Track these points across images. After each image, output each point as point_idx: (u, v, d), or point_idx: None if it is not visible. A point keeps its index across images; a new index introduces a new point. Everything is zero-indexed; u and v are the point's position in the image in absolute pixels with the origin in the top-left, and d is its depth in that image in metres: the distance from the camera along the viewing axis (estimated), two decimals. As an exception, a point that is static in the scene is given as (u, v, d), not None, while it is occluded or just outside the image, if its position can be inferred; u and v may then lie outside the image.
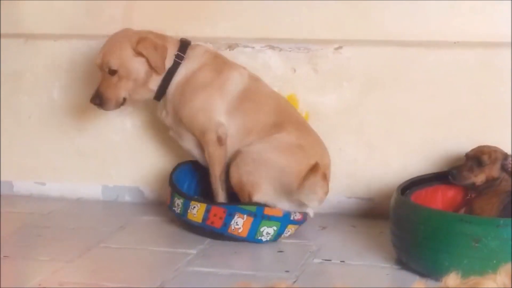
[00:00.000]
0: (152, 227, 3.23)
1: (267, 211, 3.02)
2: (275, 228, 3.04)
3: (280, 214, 3.04)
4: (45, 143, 3.70)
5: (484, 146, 3.04)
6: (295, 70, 3.41)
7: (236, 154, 3.13)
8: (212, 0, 3.51)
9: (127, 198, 3.65)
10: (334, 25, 3.41)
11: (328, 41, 3.38)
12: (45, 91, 3.68)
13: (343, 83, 3.37)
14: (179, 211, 3.13)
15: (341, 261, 2.88)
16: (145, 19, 3.58)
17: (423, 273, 2.70)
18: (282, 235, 3.07)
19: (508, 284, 1.60)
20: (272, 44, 3.42)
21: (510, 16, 3.24)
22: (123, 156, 3.64)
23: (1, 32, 3.73)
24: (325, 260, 2.90)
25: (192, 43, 3.27)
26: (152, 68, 3.14)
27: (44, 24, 3.72)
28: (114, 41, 3.20)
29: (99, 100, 3.18)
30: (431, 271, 2.64)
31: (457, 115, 3.27)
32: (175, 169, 3.31)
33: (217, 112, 3.16)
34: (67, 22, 3.68)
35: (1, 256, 2.93)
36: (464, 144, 3.11)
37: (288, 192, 3.04)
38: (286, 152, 3.10)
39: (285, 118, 3.21)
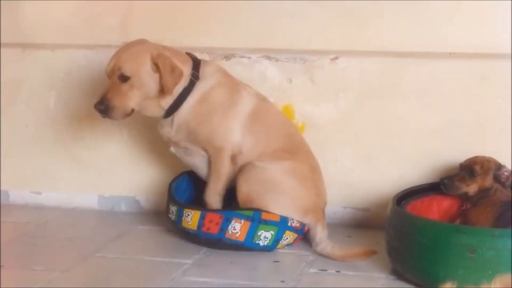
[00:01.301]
0: (148, 237, 3.22)
1: (264, 216, 3.02)
2: (272, 232, 3.03)
3: (278, 219, 3.04)
4: (41, 152, 3.70)
5: (478, 157, 3.05)
6: (291, 81, 3.42)
7: (248, 167, 3.10)
8: (209, 10, 3.52)
9: (123, 207, 3.64)
10: (330, 36, 3.42)
11: (325, 51, 3.39)
12: (43, 100, 3.68)
13: (339, 94, 3.38)
14: (174, 219, 3.13)
15: (336, 271, 2.88)
16: (142, 29, 3.59)
17: (419, 284, 2.70)
18: (280, 242, 3.06)
19: None
20: (268, 54, 3.42)
21: (508, 27, 3.25)
22: (120, 166, 3.63)
23: (0, 41, 3.73)
24: (321, 270, 2.90)
25: (199, 58, 3.23)
26: (161, 86, 3.03)
27: (42, 33, 3.72)
28: (132, 48, 3.06)
29: (104, 106, 3.02)
30: (427, 281, 2.64)
31: (453, 125, 3.27)
32: (176, 178, 3.31)
33: (234, 131, 3.13)
34: (65, 32, 3.69)
35: (-3, 265, 2.94)
36: (460, 154, 3.12)
37: (291, 218, 3.07)
38: (298, 179, 3.11)
39: (297, 146, 3.21)
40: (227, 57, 3.46)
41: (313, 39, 3.44)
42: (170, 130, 3.17)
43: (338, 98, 3.38)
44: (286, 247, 3.11)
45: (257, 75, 3.41)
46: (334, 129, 3.38)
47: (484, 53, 3.27)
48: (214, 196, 3.16)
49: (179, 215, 3.10)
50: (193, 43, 3.48)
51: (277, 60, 3.40)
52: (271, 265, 2.97)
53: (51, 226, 3.43)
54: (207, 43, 3.50)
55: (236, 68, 3.39)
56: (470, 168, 3.02)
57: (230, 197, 3.19)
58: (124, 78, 3.02)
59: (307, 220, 3.09)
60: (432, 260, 2.64)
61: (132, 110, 3.07)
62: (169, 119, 3.15)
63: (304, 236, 3.14)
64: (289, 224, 3.07)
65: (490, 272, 2.52)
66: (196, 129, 3.12)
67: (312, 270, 2.89)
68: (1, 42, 3.72)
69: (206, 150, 3.15)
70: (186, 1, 3.56)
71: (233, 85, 3.19)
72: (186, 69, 3.10)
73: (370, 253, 2.92)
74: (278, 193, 3.08)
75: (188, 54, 3.20)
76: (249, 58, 3.44)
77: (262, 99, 3.24)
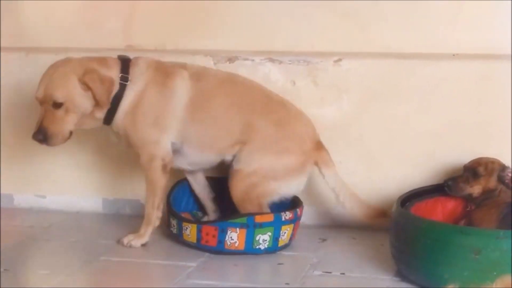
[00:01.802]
0: (152, 240, 3.22)
1: (258, 219, 3.01)
2: (269, 233, 3.03)
3: (271, 219, 3.04)
4: (45, 156, 3.70)
5: (482, 158, 3.04)
6: (294, 83, 3.42)
7: (232, 174, 3.09)
8: (212, 13, 3.53)
9: (128, 210, 3.64)
10: (333, 38, 3.43)
11: (328, 53, 3.39)
12: (46, 104, 3.68)
13: (342, 95, 3.38)
14: (175, 232, 3.15)
15: (341, 273, 2.88)
16: (145, 32, 3.60)
17: (423, 285, 2.70)
18: (280, 239, 3.06)
19: None
20: (272, 57, 3.42)
21: (510, 29, 3.25)
22: (124, 169, 3.64)
23: (2, 45, 3.74)
24: (326, 272, 2.89)
25: (131, 57, 3.14)
26: (96, 101, 3.00)
27: (45, 37, 3.73)
28: (58, 72, 3.01)
29: (42, 136, 2.99)
30: (431, 283, 2.64)
31: (457, 126, 3.27)
32: (172, 189, 3.31)
33: (166, 138, 3.09)
34: (67, 36, 3.70)
35: (1, 269, 2.92)
36: (464, 155, 3.11)
37: (296, 175, 3.10)
38: (278, 153, 3.09)
39: (256, 116, 3.12)
40: (231, 60, 3.46)
41: (316, 41, 3.44)
42: (114, 138, 3.20)
43: (341, 100, 3.38)
44: (290, 249, 3.10)
45: (260, 78, 3.40)
46: (337, 131, 3.38)
47: (488, 54, 3.27)
48: (152, 210, 3.14)
49: (179, 228, 3.12)
50: (197, 46, 3.49)
51: (280, 62, 3.40)
52: (275, 267, 2.96)
53: (56, 229, 3.43)
54: (211, 45, 3.50)
55: (240, 71, 3.39)
56: (474, 170, 3.01)
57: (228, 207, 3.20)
58: (58, 105, 2.98)
59: (308, 170, 3.13)
60: (437, 262, 2.64)
61: (71, 132, 3.06)
62: (112, 126, 3.13)
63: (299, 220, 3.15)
64: (283, 219, 3.05)
65: (495, 273, 2.51)
66: (130, 135, 3.10)
67: (316, 272, 2.89)
68: (4, 46, 3.73)
69: (141, 159, 3.12)
70: (189, 4, 3.57)
71: (165, 78, 3.11)
72: (114, 74, 3.06)
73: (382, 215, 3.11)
74: (270, 172, 3.08)
75: (120, 56, 3.14)
76: (253, 60, 3.44)
77: (199, 79, 3.13)
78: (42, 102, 3.02)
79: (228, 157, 3.13)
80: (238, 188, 3.08)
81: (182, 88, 3.11)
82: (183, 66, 3.18)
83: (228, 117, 3.13)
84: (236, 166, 3.09)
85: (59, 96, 2.98)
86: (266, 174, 3.08)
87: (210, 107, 3.12)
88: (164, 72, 3.13)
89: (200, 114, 3.11)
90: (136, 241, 3.14)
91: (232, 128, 3.12)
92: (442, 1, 3.32)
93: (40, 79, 3.06)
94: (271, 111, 3.16)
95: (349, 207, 3.17)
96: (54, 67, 3.06)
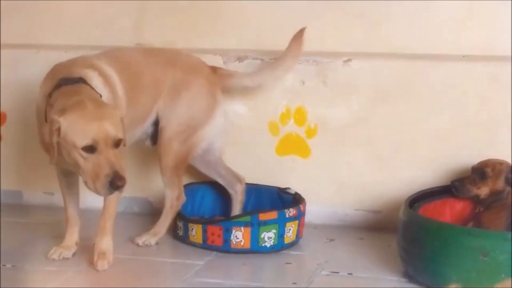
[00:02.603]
0: (160, 238, 3.22)
1: (261, 217, 3.01)
2: (274, 231, 3.03)
3: (275, 216, 3.04)
4: (55, 153, 3.71)
5: (490, 159, 3.04)
6: (304, 82, 3.42)
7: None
8: (222, 12, 3.54)
9: (136, 208, 3.65)
10: (343, 38, 3.43)
11: (337, 53, 3.40)
12: (56, 101, 3.70)
13: (352, 96, 3.38)
14: (181, 234, 3.17)
15: (348, 274, 2.88)
16: (155, 30, 3.61)
17: (431, 287, 2.70)
18: (285, 236, 3.06)
19: None
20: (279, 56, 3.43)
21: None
22: (132, 167, 3.64)
23: (13, 42, 3.76)
24: (333, 272, 2.90)
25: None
26: None
27: (55, 35, 3.75)
28: (106, 113, 2.69)
29: (125, 180, 2.66)
30: (439, 284, 2.63)
31: (465, 128, 3.27)
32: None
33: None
34: (78, 34, 3.72)
35: (9, 265, 2.94)
36: (473, 157, 3.11)
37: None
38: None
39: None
40: (240, 59, 3.46)
41: (326, 41, 3.44)
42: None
43: (350, 101, 3.38)
44: (297, 248, 3.10)
45: (269, 77, 3.41)
46: (346, 131, 3.38)
47: (498, 56, 3.27)
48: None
49: (185, 229, 3.13)
50: (206, 44, 3.50)
51: (289, 62, 3.40)
52: (283, 267, 2.97)
53: (63, 226, 3.44)
54: (220, 45, 3.51)
55: (249, 70, 3.39)
56: (481, 171, 3.01)
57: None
58: (119, 141, 2.71)
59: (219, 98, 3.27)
60: (445, 263, 2.64)
61: None
62: None
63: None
64: (286, 215, 3.06)
65: (503, 275, 2.53)
66: None
67: (324, 272, 2.89)
68: (15, 43, 3.75)
69: None
70: (199, 3, 3.58)
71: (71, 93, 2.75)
72: None
73: None
74: (188, 125, 3.17)
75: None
76: (262, 60, 3.44)
77: (105, 74, 2.94)
78: (106, 145, 2.66)
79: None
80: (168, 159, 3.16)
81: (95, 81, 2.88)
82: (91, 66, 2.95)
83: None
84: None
85: (120, 132, 2.70)
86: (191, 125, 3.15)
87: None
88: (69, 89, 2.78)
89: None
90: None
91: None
92: (453, 1, 3.32)
93: (84, 124, 2.64)
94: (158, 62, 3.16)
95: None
96: (92, 111, 2.66)
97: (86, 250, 3.10)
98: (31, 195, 3.77)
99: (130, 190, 3.65)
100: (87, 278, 2.86)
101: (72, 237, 3.08)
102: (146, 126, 3.20)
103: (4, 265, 2.94)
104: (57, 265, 2.96)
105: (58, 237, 3.29)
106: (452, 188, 3.04)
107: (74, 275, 2.85)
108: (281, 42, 3.42)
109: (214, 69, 3.29)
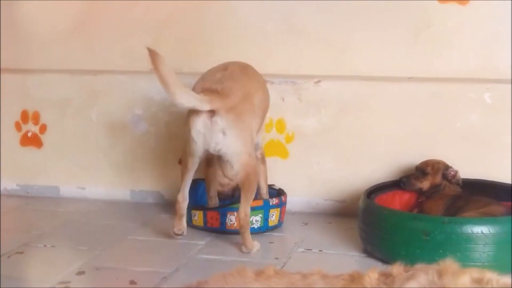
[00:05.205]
0: (169, 223, 3.21)
1: (251, 204, 2.95)
2: (260, 215, 3.04)
3: (261, 204, 3.05)
4: (85, 156, 3.70)
5: (430, 160, 3.06)
6: (283, 99, 3.42)
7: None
8: (219, 43, 3.53)
9: (150, 200, 3.65)
10: (314, 63, 3.44)
11: (310, 76, 3.40)
12: (86, 114, 3.69)
13: (321, 110, 3.38)
14: (186, 219, 3.15)
15: (319, 250, 2.88)
16: (167, 57, 3.58)
17: (384, 260, 2.71)
18: (269, 220, 3.07)
19: (437, 282, 1.46)
20: (266, 78, 3.42)
21: (453, 56, 3.26)
22: (148, 167, 3.64)
23: (52, 68, 3.76)
24: (307, 249, 2.90)
25: None
26: None
27: (86, 61, 3.74)
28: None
29: None
30: (391, 258, 2.63)
31: (411, 135, 3.27)
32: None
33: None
34: (105, 60, 3.71)
35: (50, 245, 2.95)
36: (418, 157, 3.12)
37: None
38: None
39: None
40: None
41: (300, 65, 3.45)
42: None
43: (320, 113, 3.38)
44: (279, 230, 3.11)
45: (256, 95, 3.40)
46: (317, 137, 3.38)
47: (438, 77, 3.28)
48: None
49: (189, 215, 3.11)
50: (206, 69, 3.49)
51: (272, 82, 3.39)
52: (268, 245, 2.97)
53: (93, 214, 3.43)
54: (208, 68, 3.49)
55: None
56: (423, 169, 3.03)
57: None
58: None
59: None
60: (395, 242, 2.65)
61: None
62: None
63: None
64: (270, 203, 3.07)
65: (441, 251, 2.53)
66: None
67: (300, 249, 2.90)
68: (54, 69, 3.74)
69: None
70: (202, 35, 3.55)
71: None
72: None
73: None
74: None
75: None
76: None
77: None
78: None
79: None
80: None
81: None
82: None
83: None
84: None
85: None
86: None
87: None
88: None
89: None
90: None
91: None
92: (401, 32, 3.32)
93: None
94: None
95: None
96: None
97: (111, 233, 3.09)
98: (66, 189, 3.75)
99: (146, 185, 3.67)
100: (110, 255, 2.84)
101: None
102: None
103: (45, 245, 2.95)
104: (87, 245, 2.94)
105: (88, 223, 3.28)
106: (400, 183, 3.06)
107: (100, 253, 2.84)
108: (266, 67, 3.38)
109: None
